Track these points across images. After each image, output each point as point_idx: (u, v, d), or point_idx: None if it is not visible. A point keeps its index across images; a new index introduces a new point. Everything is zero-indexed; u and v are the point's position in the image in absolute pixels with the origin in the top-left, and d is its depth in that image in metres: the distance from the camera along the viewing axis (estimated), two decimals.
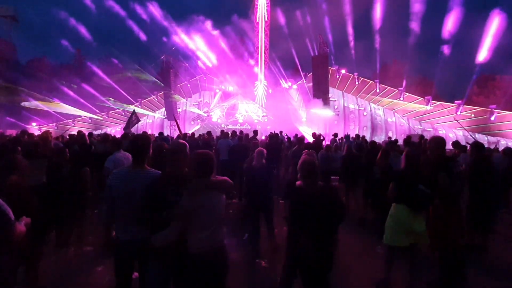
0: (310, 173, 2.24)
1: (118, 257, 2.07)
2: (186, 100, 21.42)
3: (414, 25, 17.92)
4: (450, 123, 16.85)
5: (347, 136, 10.43)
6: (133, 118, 11.24)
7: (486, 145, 11.47)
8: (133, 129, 12.04)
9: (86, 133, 6.64)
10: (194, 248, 1.79)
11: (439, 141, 3.07)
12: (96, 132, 14.82)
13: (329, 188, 2.32)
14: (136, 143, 2.12)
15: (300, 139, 6.14)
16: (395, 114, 19.30)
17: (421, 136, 7.79)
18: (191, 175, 1.87)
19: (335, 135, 9.71)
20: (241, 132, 9.71)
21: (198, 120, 20.79)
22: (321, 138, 10.98)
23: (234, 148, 6.50)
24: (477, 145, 4.05)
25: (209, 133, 8.95)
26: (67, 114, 19.94)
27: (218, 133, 10.16)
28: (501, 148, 9.69)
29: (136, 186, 1.96)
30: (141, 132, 15.19)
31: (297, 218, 2.28)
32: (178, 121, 10.90)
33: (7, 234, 1.88)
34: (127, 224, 2.01)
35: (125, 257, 2.05)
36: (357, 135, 9.88)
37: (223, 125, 19.26)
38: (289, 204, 2.45)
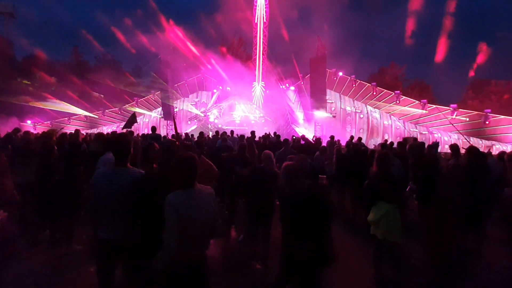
0: (292, 178, 2.25)
1: (99, 256, 2.07)
2: (183, 100, 21.34)
3: (413, 29, 18.07)
4: (446, 127, 16.99)
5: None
6: (133, 119, 11.11)
7: (481, 149, 11.57)
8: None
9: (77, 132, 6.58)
10: (176, 259, 1.69)
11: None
12: (90, 131, 14.70)
13: (315, 188, 2.31)
14: (117, 143, 2.12)
15: (285, 141, 5.59)
16: (392, 117, 19.42)
17: (415, 139, 7.85)
18: (175, 181, 1.76)
19: (332, 137, 9.69)
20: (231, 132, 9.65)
21: (195, 120, 20.71)
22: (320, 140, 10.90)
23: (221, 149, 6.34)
24: (471, 149, 4.10)
25: (201, 133, 8.90)
26: (62, 112, 19.75)
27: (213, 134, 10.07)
28: (494, 152, 9.77)
29: (119, 186, 1.98)
30: (137, 132, 15.04)
31: (289, 221, 2.27)
32: (175, 120, 10.74)
33: None
34: (109, 223, 2.01)
35: (106, 256, 2.03)
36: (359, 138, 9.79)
37: (220, 125, 19.21)
38: (281, 208, 2.44)
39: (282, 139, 9.90)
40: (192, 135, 10.86)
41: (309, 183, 2.29)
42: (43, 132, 7.36)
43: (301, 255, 2.12)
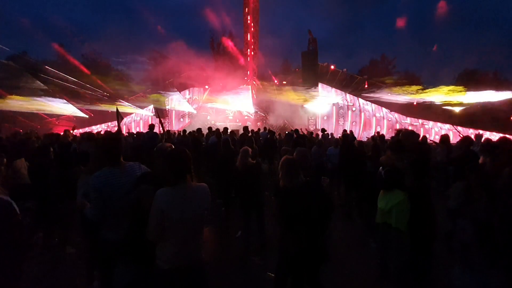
0: (288, 172, 2.25)
1: (105, 257, 2.02)
2: (175, 96, 21.00)
3: (403, 21, 18.20)
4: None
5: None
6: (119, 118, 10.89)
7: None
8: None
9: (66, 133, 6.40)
10: (165, 263, 1.58)
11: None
12: (76, 132, 14.35)
13: (311, 184, 2.29)
14: (108, 142, 2.06)
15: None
16: (383, 109, 19.60)
17: (406, 130, 7.99)
18: (167, 178, 1.63)
19: (323, 130, 9.87)
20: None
21: (187, 117, 20.45)
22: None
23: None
24: (465, 139, 4.19)
25: (198, 130, 8.80)
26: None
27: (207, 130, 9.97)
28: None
29: (125, 182, 1.96)
30: (128, 130, 14.78)
31: (286, 216, 2.25)
32: (164, 119, 10.63)
33: None
34: (118, 223, 1.95)
35: (110, 257, 1.97)
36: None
37: (212, 122, 19.04)
38: (277, 203, 2.43)
39: (277, 134, 9.98)
40: (185, 130, 10.72)
41: (305, 180, 2.27)
42: (18, 133, 7.18)
43: (294, 251, 2.11)
